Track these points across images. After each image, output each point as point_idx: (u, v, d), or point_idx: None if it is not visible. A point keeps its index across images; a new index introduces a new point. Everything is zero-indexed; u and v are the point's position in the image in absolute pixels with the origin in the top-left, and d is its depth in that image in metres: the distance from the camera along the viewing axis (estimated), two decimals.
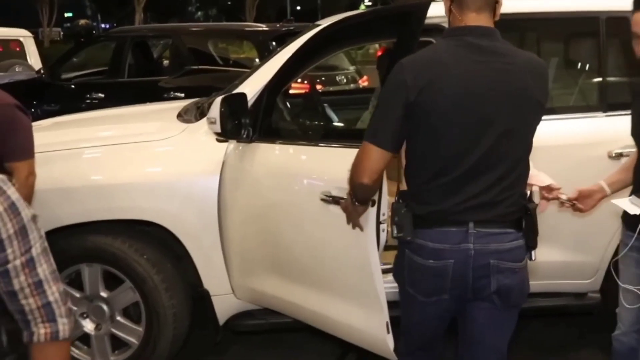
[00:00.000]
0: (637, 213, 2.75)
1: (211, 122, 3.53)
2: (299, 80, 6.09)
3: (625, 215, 2.97)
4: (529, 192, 2.59)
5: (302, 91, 5.71)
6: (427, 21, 3.32)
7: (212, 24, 13.53)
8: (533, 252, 2.57)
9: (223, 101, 3.42)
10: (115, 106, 5.46)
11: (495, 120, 2.38)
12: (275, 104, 3.84)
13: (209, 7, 52.39)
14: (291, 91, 4.93)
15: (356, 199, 2.68)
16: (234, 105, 3.46)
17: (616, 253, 3.75)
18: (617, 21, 3.84)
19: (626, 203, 2.85)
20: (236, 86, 3.86)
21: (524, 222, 2.50)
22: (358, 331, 3.32)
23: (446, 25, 2.69)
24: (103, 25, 42.25)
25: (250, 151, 3.59)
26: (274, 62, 3.84)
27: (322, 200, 3.20)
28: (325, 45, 4.09)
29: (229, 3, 48.62)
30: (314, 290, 3.48)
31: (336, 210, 3.04)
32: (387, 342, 3.15)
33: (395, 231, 2.54)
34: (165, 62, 9.74)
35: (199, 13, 52.71)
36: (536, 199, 2.50)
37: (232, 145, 3.62)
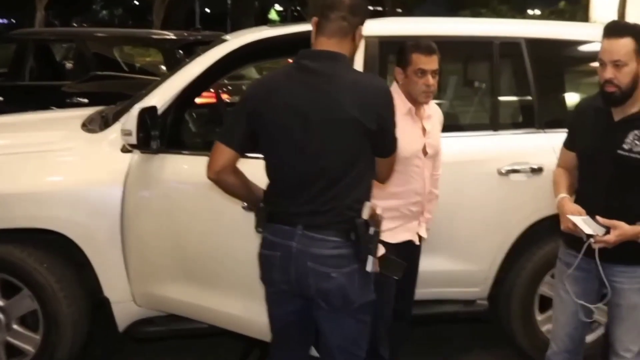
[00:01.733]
0: (591, 233, 2.88)
1: (126, 134, 3.54)
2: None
3: (564, 234, 3.10)
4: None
5: (209, 101, 5.74)
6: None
7: (118, 30, 13.21)
8: (368, 262, 2.66)
9: (141, 114, 3.48)
10: (15, 109, 5.35)
11: (312, 137, 2.60)
12: (182, 115, 3.89)
13: (115, 7, 51.06)
14: (197, 100, 4.95)
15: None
16: (148, 117, 3.53)
17: (504, 262, 4.01)
18: (509, 46, 4.09)
19: (580, 221, 2.91)
20: (143, 95, 3.90)
21: (352, 234, 2.65)
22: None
23: None
24: (0, 21, 40.52)
25: (157, 162, 3.66)
26: (182, 74, 3.90)
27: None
28: (237, 61, 4.16)
29: (136, 3, 47.47)
30: (227, 293, 3.63)
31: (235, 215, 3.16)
32: None
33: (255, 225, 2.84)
34: (69, 66, 9.53)
35: (104, 12, 51.29)
36: (365, 214, 2.63)
37: (136, 155, 3.67)
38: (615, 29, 2.90)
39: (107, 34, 9.13)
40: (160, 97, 3.78)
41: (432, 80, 3.30)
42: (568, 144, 3.23)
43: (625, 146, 2.92)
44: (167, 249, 3.69)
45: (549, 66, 4.20)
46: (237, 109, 2.76)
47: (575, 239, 3.00)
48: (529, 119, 4.13)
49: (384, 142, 2.70)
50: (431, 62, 3.29)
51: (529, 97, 4.11)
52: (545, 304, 4.13)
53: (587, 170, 3.10)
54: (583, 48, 4.28)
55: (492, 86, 4.13)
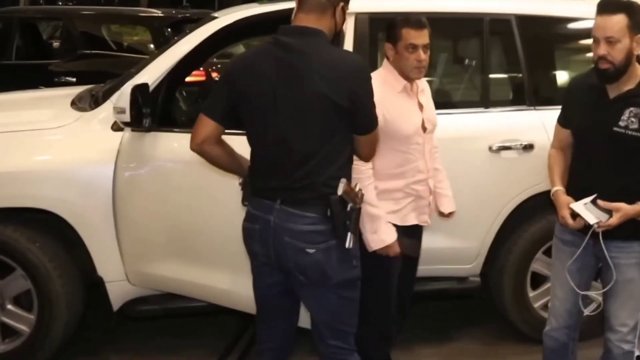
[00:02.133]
0: (595, 222, 2.88)
1: (119, 112, 3.53)
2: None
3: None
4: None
5: (199, 79, 5.72)
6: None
7: (106, 7, 13.11)
8: (347, 239, 2.67)
9: (133, 91, 3.47)
10: (2, 89, 5.30)
11: (283, 114, 2.63)
12: (173, 93, 3.88)
13: None
14: (188, 79, 4.94)
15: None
16: (140, 95, 3.51)
17: (496, 239, 4.04)
18: (500, 23, 4.09)
19: (582, 209, 2.91)
20: (134, 74, 3.88)
21: (328, 210, 2.66)
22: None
23: None
24: None
25: (149, 140, 3.66)
26: (172, 52, 3.88)
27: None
28: (227, 39, 4.13)
29: None
30: (217, 269, 3.68)
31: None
32: None
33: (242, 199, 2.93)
34: (56, 44, 9.44)
35: None
36: (339, 190, 2.63)
37: (127, 134, 3.66)
38: (608, 6, 2.89)
39: (95, 12, 9.03)
40: (151, 74, 3.78)
41: (423, 55, 3.23)
42: (562, 121, 3.22)
43: (622, 123, 2.92)
44: (159, 227, 3.71)
45: (540, 43, 4.20)
46: (219, 83, 2.88)
47: (572, 216, 3.00)
48: (520, 96, 4.14)
49: (358, 119, 2.68)
50: (422, 37, 3.22)
51: (520, 74, 4.11)
52: (538, 280, 4.18)
53: (582, 149, 3.10)
54: (574, 25, 4.27)
55: (483, 63, 4.11)
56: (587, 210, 2.90)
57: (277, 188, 2.69)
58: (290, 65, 2.61)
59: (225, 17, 4.02)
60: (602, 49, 2.87)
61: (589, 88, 3.06)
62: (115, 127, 3.68)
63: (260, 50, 2.72)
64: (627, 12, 2.85)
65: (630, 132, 2.90)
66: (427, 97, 3.44)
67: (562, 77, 4.35)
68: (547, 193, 3.90)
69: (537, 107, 4.05)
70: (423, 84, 3.46)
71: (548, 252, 4.05)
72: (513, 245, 4.08)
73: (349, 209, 2.65)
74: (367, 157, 2.92)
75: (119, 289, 3.77)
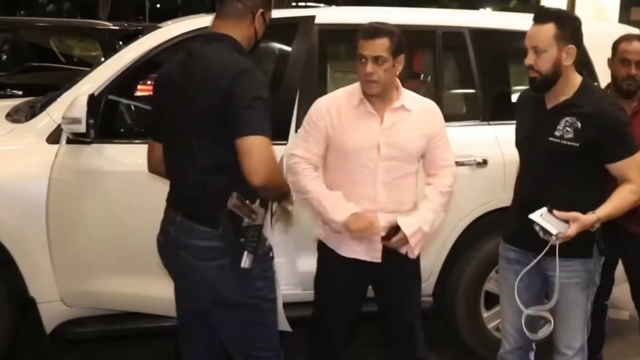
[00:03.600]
0: (556, 232, 2.75)
1: (71, 123, 3.35)
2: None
3: (506, 230, 3.08)
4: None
5: (145, 92, 5.56)
6: None
7: (56, 19, 12.92)
8: (243, 259, 2.47)
9: (89, 101, 3.33)
10: None
11: (175, 123, 2.59)
12: (115, 104, 3.75)
13: (62, 1, 49.93)
14: (138, 93, 4.82)
15: None
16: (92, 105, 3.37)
17: (448, 258, 3.93)
18: (453, 36, 4.03)
19: (541, 220, 2.78)
20: (75, 83, 3.75)
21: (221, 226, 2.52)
22: None
23: None
24: None
25: (88, 152, 3.52)
26: (114, 61, 3.74)
27: None
28: (174, 51, 4.00)
29: None
30: (157, 280, 3.42)
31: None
32: None
33: None
34: (3, 57, 9.20)
35: (51, 6, 50.15)
36: (229, 204, 2.45)
37: (63, 146, 3.50)
38: (539, 15, 2.87)
39: (43, 23, 8.86)
40: (92, 84, 3.63)
41: (370, 68, 2.90)
42: (516, 142, 3.15)
43: (557, 133, 2.87)
44: (96, 242, 3.55)
45: (494, 57, 4.16)
46: (150, 102, 2.92)
47: (514, 233, 2.94)
48: (473, 110, 4.07)
49: (235, 124, 2.41)
50: (370, 47, 2.90)
51: (473, 89, 4.04)
52: (492, 300, 4.08)
53: (525, 162, 3.07)
54: None
55: (435, 77, 4.04)
56: (547, 222, 2.77)
57: (178, 199, 2.65)
58: (184, 72, 2.56)
59: (171, 27, 3.91)
60: (529, 59, 2.86)
61: (532, 100, 3.02)
62: (51, 140, 3.51)
63: (175, 59, 2.70)
64: (556, 22, 2.81)
65: (564, 142, 2.84)
66: (405, 120, 3.03)
67: (517, 91, 4.25)
68: (501, 210, 3.87)
69: (490, 122, 3.99)
70: (415, 105, 3.06)
71: None
72: (466, 265, 4.00)
73: (244, 224, 2.46)
74: (251, 173, 2.39)
75: (52, 310, 3.58)
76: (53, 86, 5.08)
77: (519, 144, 3.08)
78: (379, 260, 3.07)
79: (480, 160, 3.86)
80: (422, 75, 4.45)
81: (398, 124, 3.02)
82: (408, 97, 3.08)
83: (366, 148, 3.00)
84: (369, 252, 3.07)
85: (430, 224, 3.08)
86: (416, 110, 3.06)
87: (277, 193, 2.62)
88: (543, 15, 2.84)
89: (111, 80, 3.63)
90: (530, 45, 2.85)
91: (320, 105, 3.11)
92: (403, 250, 3.08)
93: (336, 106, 3.05)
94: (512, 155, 3.78)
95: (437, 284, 4.00)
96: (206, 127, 2.49)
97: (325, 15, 3.94)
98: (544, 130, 2.91)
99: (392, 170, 3.02)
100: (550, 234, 2.75)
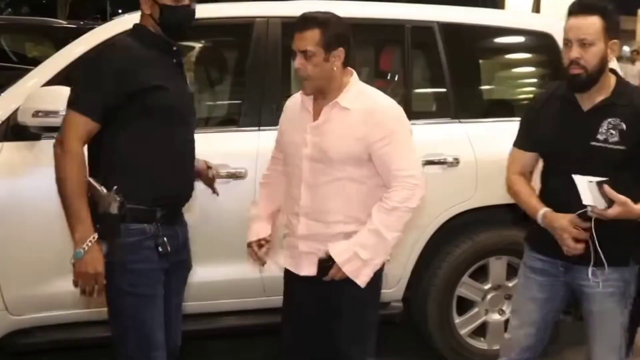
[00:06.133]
0: (590, 204, 2.54)
1: (44, 116, 3.15)
2: None
3: (533, 237, 2.86)
4: None
5: None
6: None
7: (7, 17, 12.73)
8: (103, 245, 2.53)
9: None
10: None
11: None
12: None
13: (20, 5, 49.29)
14: None
15: None
16: None
17: (419, 261, 3.79)
18: (422, 31, 3.89)
19: (584, 187, 2.56)
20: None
21: None
22: None
23: None
24: None
25: (35, 149, 3.35)
26: (61, 57, 3.66)
27: None
28: None
29: (43, 1, 45.99)
30: None
31: None
32: None
33: None
34: None
35: (9, 10, 49.42)
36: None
37: (5, 144, 3.32)
38: (583, 6, 2.63)
39: None
40: (39, 78, 3.51)
41: (297, 63, 2.65)
42: (525, 145, 2.90)
43: (600, 136, 2.65)
44: (41, 244, 3.33)
45: (465, 53, 4.03)
46: None
47: (542, 241, 2.74)
48: (444, 108, 3.92)
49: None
50: (298, 40, 2.64)
51: (443, 86, 3.90)
52: (464, 306, 3.99)
53: (557, 167, 2.78)
54: (501, 34, 4.13)
55: (404, 73, 3.91)
56: (588, 191, 2.55)
57: None
58: None
59: (122, 20, 3.75)
60: (575, 52, 2.60)
61: (560, 101, 2.77)
62: None
63: None
64: (602, 14, 2.60)
65: (610, 146, 2.63)
66: (341, 123, 2.70)
67: (489, 89, 4.21)
68: (473, 211, 3.74)
69: (462, 120, 3.85)
70: (359, 104, 2.70)
71: (475, 276, 3.95)
72: (437, 268, 3.87)
73: (102, 211, 2.50)
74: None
75: None
76: (2, 86, 4.88)
77: (547, 149, 2.82)
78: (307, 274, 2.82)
79: (451, 159, 3.72)
80: (389, 72, 4.29)
81: (329, 123, 2.72)
82: (353, 95, 2.72)
83: (296, 145, 2.79)
84: (296, 267, 2.87)
85: (371, 248, 2.70)
86: (357, 110, 2.70)
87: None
88: (588, 7, 2.62)
89: (58, 73, 3.49)
90: (575, 38, 2.60)
91: (285, 104, 3.01)
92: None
93: (291, 104, 2.93)
94: (484, 154, 3.76)
95: (407, 289, 3.87)
96: None
97: (287, 8, 3.75)
98: (581, 133, 2.68)
99: (316, 173, 2.75)
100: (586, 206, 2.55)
